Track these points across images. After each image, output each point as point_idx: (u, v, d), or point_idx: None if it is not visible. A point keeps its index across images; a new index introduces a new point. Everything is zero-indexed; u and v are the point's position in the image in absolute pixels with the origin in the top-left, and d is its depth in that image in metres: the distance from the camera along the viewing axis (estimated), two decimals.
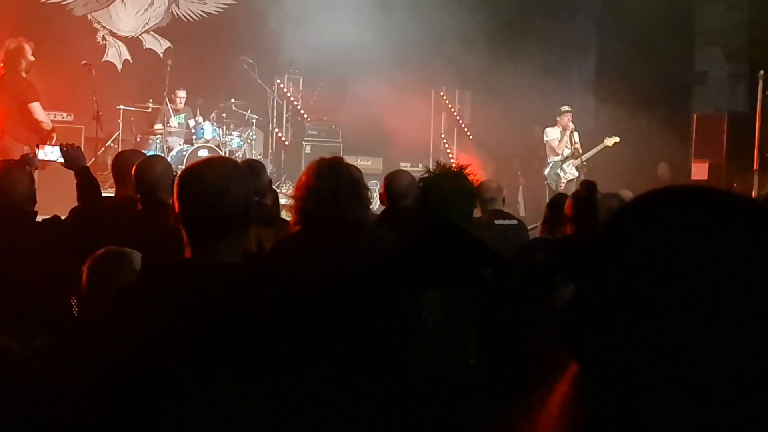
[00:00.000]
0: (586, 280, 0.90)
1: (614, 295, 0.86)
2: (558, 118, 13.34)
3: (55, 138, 9.18)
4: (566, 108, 13.35)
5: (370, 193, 3.82)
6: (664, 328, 0.83)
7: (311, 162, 3.85)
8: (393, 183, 5.35)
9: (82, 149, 10.14)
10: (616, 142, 13.01)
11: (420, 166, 12.47)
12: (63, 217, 4.87)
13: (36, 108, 9.39)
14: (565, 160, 13.20)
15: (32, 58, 9.44)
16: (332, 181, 3.63)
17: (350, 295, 3.36)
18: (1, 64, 9.52)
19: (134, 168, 4.48)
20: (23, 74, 9.39)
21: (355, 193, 3.67)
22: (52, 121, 10.49)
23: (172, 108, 12.80)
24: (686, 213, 0.88)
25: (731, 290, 0.83)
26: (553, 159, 13.29)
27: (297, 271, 3.36)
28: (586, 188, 6.70)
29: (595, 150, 13.13)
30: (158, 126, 12.69)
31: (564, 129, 13.25)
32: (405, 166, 13.72)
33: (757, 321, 0.83)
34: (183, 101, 12.98)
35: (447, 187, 3.76)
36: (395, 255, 3.72)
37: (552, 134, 13.34)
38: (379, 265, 3.60)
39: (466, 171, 3.89)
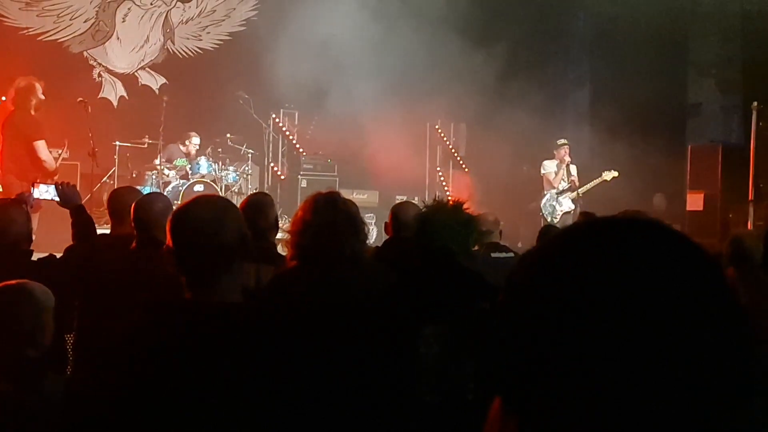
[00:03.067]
0: (516, 322, 0.88)
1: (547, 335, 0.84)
2: (555, 151, 13.35)
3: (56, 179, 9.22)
4: (563, 141, 13.37)
5: (366, 228, 3.82)
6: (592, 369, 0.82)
7: (308, 197, 3.85)
8: (400, 213, 5.38)
9: (78, 186, 10.23)
10: (614, 177, 13.03)
11: (416, 199, 12.49)
12: (58, 256, 4.84)
13: (40, 146, 9.38)
14: (561, 192, 13.21)
15: (42, 97, 9.53)
16: (329, 216, 3.62)
17: (349, 329, 3.34)
18: (12, 102, 9.56)
19: (133, 205, 4.44)
20: (32, 112, 9.41)
21: (353, 227, 3.66)
22: None
23: (182, 149, 12.78)
24: (613, 248, 0.87)
25: (665, 326, 0.82)
26: (549, 192, 13.30)
27: (295, 307, 3.34)
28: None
29: (592, 183, 13.14)
30: (162, 160, 12.65)
31: (561, 162, 13.27)
32: (400, 199, 13.75)
33: (689, 372, 0.82)
34: (196, 148, 12.97)
35: (445, 218, 3.78)
36: (393, 289, 3.72)
37: (549, 167, 13.34)
38: (378, 299, 3.59)
39: (464, 206, 3.92)
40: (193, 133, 12.94)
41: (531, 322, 0.86)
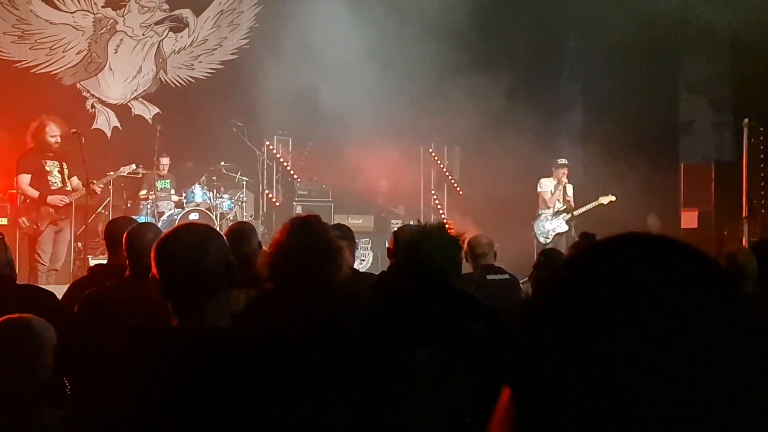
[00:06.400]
0: (539, 320, 0.92)
1: (561, 339, 0.88)
2: (554, 170, 13.35)
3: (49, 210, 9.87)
4: (563, 161, 13.38)
5: (342, 252, 3.87)
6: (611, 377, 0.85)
7: (288, 219, 3.93)
8: (402, 238, 5.36)
9: (73, 216, 10.45)
10: (612, 201, 13.06)
11: (412, 222, 12.49)
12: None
13: (19, 180, 10.28)
14: (556, 214, 13.22)
15: (52, 135, 10.32)
16: (303, 239, 3.67)
17: (333, 353, 3.35)
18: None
19: (125, 235, 4.49)
20: (40, 149, 10.33)
21: (326, 252, 3.71)
22: None
23: (156, 174, 12.81)
24: (635, 262, 0.91)
25: (680, 340, 0.85)
26: (543, 212, 13.30)
27: (274, 331, 3.36)
28: (586, 240, 6.74)
29: (588, 207, 13.17)
30: (143, 192, 12.70)
31: (558, 182, 13.29)
32: (396, 223, 13.77)
33: (704, 382, 0.85)
34: (166, 168, 12.99)
35: (434, 238, 3.82)
36: (387, 312, 3.72)
37: (546, 186, 13.34)
38: (369, 322, 3.60)
39: (448, 226, 3.98)
40: (162, 155, 12.95)
41: (564, 323, 0.89)
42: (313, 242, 3.67)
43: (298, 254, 3.63)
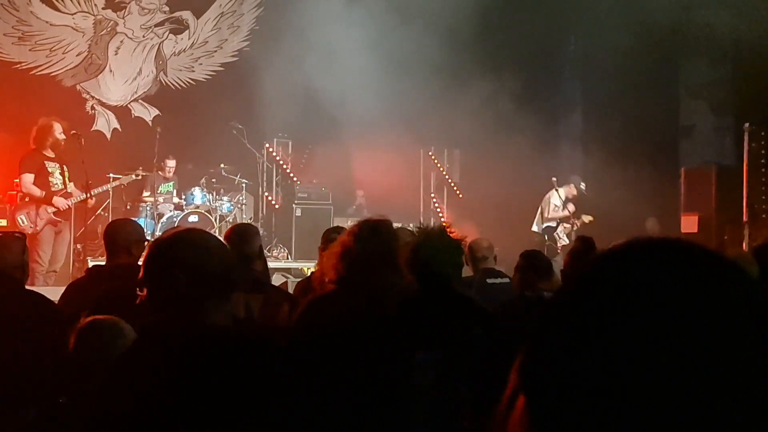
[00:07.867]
0: (552, 324, 0.92)
1: (574, 343, 0.88)
2: (568, 186, 13.42)
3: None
4: (583, 185, 13.50)
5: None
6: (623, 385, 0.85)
7: (358, 221, 3.89)
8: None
9: (73, 218, 10.47)
10: (591, 221, 13.17)
11: (411, 226, 12.44)
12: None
13: (23, 179, 10.26)
14: (557, 226, 13.30)
15: (60, 136, 10.39)
16: (369, 247, 3.62)
17: (337, 356, 3.33)
18: (31, 141, 10.46)
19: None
20: (46, 151, 10.38)
21: (391, 261, 3.66)
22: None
23: (161, 176, 12.82)
24: (651, 267, 0.90)
25: (696, 350, 0.84)
26: (547, 224, 13.35)
27: (288, 335, 3.34)
28: (584, 244, 6.72)
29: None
30: (146, 194, 12.70)
31: (566, 199, 13.36)
32: (395, 227, 13.74)
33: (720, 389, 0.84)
34: (172, 170, 12.99)
35: (435, 241, 3.80)
36: (388, 317, 3.71)
37: (556, 199, 13.40)
38: (376, 327, 3.59)
39: (448, 229, 3.96)
40: (168, 157, 12.94)
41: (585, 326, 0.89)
42: (378, 251, 3.62)
43: (361, 262, 3.58)
